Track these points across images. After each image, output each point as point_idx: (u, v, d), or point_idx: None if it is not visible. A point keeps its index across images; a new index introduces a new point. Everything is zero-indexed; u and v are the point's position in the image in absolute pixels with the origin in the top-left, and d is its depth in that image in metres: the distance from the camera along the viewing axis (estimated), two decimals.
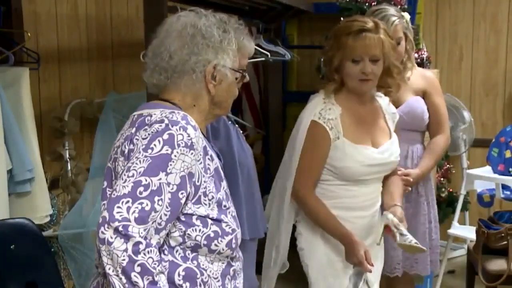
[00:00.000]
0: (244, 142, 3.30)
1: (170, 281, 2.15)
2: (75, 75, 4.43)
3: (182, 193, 2.13)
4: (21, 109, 3.50)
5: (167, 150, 2.11)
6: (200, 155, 2.21)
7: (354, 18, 3.27)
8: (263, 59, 4.86)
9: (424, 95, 3.89)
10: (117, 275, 2.02)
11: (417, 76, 3.95)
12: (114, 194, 2.08)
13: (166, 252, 2.18)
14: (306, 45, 6.64)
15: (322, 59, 3.72)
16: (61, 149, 4.09)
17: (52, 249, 3.60)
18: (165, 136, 2.13)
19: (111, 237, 2.01)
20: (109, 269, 2.03)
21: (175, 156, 2.11)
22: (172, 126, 2.15)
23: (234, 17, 2.43)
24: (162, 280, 2.07)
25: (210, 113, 2.40)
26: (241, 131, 3.40)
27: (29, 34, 3.64)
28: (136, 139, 2.18)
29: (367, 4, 4.85)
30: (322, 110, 3.18)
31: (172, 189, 2.10)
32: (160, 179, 2.08)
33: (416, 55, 4.84)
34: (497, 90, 6.29)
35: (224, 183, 2.37)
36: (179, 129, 2.15)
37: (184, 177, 2.13)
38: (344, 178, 3.20)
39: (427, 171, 3.90)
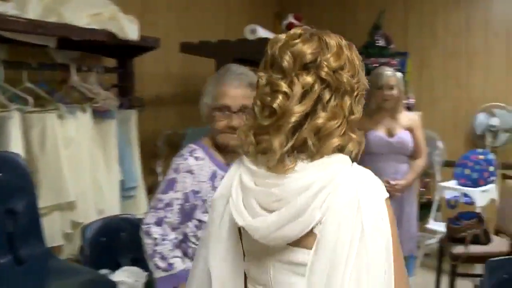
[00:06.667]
0: None
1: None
2: (166, 115, 4.53)
3: (187, 205, 2.19)
4: (130, 139, 3.58)
5: (174, 175, 2.19)
6: (206, 177, 2.21)
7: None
8: None
9: (410, 130, 3.93)
10: (148, 259, 2.17)
11: (405, 117, 4.02)
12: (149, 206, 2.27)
13: (189, 243, 2.23)
14: None
15: None
16: (155, 166, 4.17)
17: None
18: (174, 166, 2.22)
19: (142, 236, 2.20)
20: (145, 255, 2.19)
21: (178, 179, 2.18)
22: (178, 158, 2.23)
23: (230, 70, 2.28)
24: (177, 262, 2.15)
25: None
26: None
27: (137, 87, 3.74)
28: None
29: (371, 65, 4.90)
30: None
31: (180, 202, 2.18)
32: (170, 195, 2.18)
33: (405, 101, 4.87)
34: (460, 127, 6.26)
35: None
36: (182, 160, 2.21)
37: (187, 194, 2.18)
38: None
39: (411, 183, 3.96)
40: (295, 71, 1.29)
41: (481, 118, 5.99)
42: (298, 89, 1.28)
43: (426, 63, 6.33)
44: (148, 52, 3.67)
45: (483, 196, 5.30)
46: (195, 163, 2.20)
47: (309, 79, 1.28)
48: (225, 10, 5.46)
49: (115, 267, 2.94)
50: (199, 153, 2.24)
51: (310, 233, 1.27)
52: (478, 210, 5.06)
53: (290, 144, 1.28)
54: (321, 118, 1.27)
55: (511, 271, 2.80)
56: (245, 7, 5.83)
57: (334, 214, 1.26)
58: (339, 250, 1.24)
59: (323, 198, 1.25)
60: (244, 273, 1.45)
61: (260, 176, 1.31)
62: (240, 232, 1.42)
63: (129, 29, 3.20)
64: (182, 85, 4.68)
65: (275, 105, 1.27)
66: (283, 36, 1.36)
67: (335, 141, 1.29)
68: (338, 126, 1.29)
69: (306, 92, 1.28)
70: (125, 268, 2.93)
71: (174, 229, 2.19)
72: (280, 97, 1.28)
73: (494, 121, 5.89)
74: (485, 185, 5.38)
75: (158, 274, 2.14)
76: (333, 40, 1.33)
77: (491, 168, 5.45)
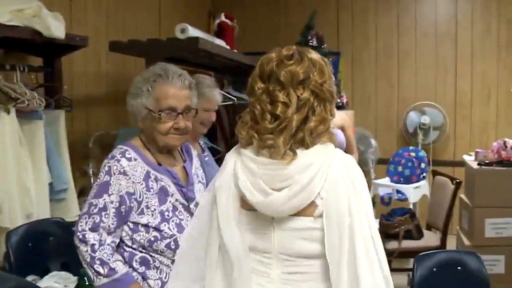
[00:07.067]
0: (215, 163, 3.03)
1: (130, 265, 2.15)
2: (97, 115, 4.43)
3: (123, 207, 2.12)
4: (59, 140, 3.48)
5: (107, 178, 2.12)
6: (140, 178, 2.15)
7: None
8: (231, 102, 4.87)
9: (342, 129, 3.97)
10: (87, 268, 2.08)
11: (337, 115, 4.04)
12: (80, 213, 2.16)
13: (125, 247, 2.17)
14: None
15: None
16: (86, 168, 4.07)
17: None
18: (106, 168, 2.14)
19: (77, 244, 2.09)
20: (83, 263, 2.09)
21: (112, 181, 2.11)
22: (110, 160, 2.15)
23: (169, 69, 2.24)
24: (119, 265, 2.08)
25: (154, 144, 2.25)
26: (216, 154, 3.32)
27: (65, 87, 3.64)
28: None
29: None
30: None
31: (115, 205, 2.10)
32: (104, 199, 2.10)
33: (338, 100, 4.92)
34: (392, 125, 6.40)
35: (172, 198, 2.21)
36: (114, 161, 2.13)
37: (122, 196, 2.11)
38: None
39: None
40: (292, 86, 1.67)
41: (413, 117, 6.14)
42: (295, 100, 1.66)
43: (358, 62, 6.45)
44: (76, 50, 3.57)
45: (416, 192, 5.43)
46: (128, 164, 2.14)
47: (306, 94, 1.66)
48: (158, 9, 5.40)
49: (44, 272, 2.84)
50: (131, 153, 2.18)
51: (311, 203, 1.66)
52: (411, 206, 5.19)
53: (291, 142, 1.65)
54: (313, 121, 1.67)
55: (440, 264, 2.86)
56: (177, 7, 5.79)
57: (332, 183, 1.66)
58: (341, 209, 1.64)
59: (321, 173, 1.66)
60: None
61: (263, 164, 1.67)
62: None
63: (55, 27, 3.09)
64: (113, 84, 4.61)
65: (278, 112, 1.66)
66: (274, 55, 1.72)
67: (324, 139, 1.71)
68: (326, 129, 1.70)
69: (304, 104, 1.66)
70: (54, 273, 2.83)
71: (109, 233, 2.11)
72: (280, 105, 1.66)
73: (425, 119, 6.04)
74: (417, 181, 5.51)
75: (99, 281, 2.05)
76: (316, 57, 1.73)
77: (423, 165, 5.59)
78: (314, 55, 1.74)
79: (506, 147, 4.34)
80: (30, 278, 2.75)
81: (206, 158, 2.83)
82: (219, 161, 3.66)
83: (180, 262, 2.04)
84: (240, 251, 1.74)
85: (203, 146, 2.93)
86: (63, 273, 2.82)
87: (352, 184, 1.67)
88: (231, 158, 1.81)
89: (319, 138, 1.70)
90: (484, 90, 6.17)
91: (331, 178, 1.66)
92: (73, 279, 2.77)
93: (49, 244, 3.00)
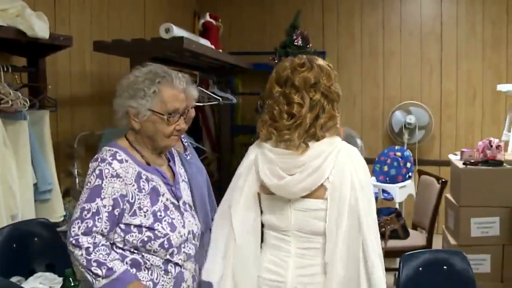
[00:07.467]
0: (199, 163, 2.97)
1: None
2: (82, 115, 4.42)
3: (117, 210, 2.11)
4: (43, 140, 3.47)
5: (98, 182, 2.10)
6: (132, 179, 2.15)
7: None
8: (216, 102, 4.88)
9: None
10: (85, 272, 2.05)
11: None
12: (72, 218, 2.14)
13: (115, 248, 2.15)
14: (247, 93, 6.60)
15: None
16: (71, 168, 4.06)
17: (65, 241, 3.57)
18: (97, 171, 2.12)
19: (71, 249, 2.06)
20: (80, 268, 2.07)
21: (105, 185, 2.09)
22: (101, 163, 2.13)
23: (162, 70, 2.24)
24: (117, 264, 2.07)
25: (151, 145, 2.25)
26: (202, 154, 3.28)
27: (49, 87, 3.62)
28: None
29: None
30: None
31: (108, 209, 2.09)
32: (97, 203, 2.08)
33: None
34: (378, 124, 6.44)
35: (163, 197, 2.23)
36: (106, 164, 2.12)
37: (116, 199, 2.10)
38: None
39: None
40: (305, 89, 2.02)
41: (398, 116, 6.18)
42: (308, 101, 2.02)
43: (344, 62, 6.48)
44: (60, 50, 3.56)
45: (402, 192, 5.47)
46: (120, 166, 2.14)
47: (317, 96, 2.02)
48: (143, 8, 5.40)
49: (29, 273, 2.83)
50: (122, 155, 2.17)
51: (320, 186, 2.01)
52: (397, 206, 5.22)
53: (305, 136, 2.00)
54: (323, 118, 2.02)
55: (426, 264, 2.89)
56: (162, 6, 5.79)
57: (339, 169, 2.01)
58: (344, 191, 1.98)
59: (330, 160, 2.00)
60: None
61: (280, 154, 2.03)
62: (259, 197, 2.16)
63: (39, 26, 3.09)
64: (97, 84, 4.60)
65: (294, 111, 2.02)
66: (288, 64, 2.09)
67: (333, 133, 2.06)
68: (334, 124, 2.05)
69: (315, 104, 2.02)
70: (39, 274, 2.83)
71: (103, 236, 2.10)
72: (296, 106, 2.02)
73: (410, 119, 6.08)
74: (403, 181, 5.54)
75: (98, 283, 2.03)
76: (323, 64, 2.09)
77: (408, 165, 5.62)
78: (321, 62, 2.11)
79: (492, 146, 4.38)
80: (14, 279, 2.73)
81: (188, 157, 2.83)
82: (205, 161, 3.63)
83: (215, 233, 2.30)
84: (243, 231, 2.13)
85: (186, 144, 2.93)
86: (48, 274, 2.81)
87: (356, 170, 2.01)
88: (253, 150, 2.19)
89: (328, 132, 2.04)
90: (469, 89, 6.23)
91: (338, 165, 2.01)
92: (58, 280, 2.76)
93: (34, 245, 2.98)
